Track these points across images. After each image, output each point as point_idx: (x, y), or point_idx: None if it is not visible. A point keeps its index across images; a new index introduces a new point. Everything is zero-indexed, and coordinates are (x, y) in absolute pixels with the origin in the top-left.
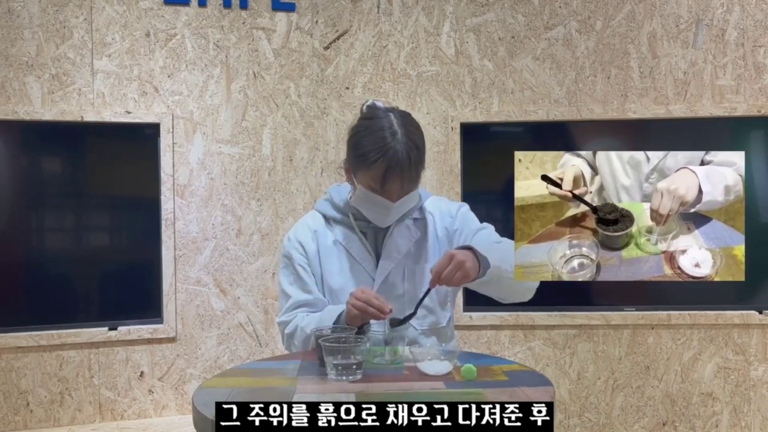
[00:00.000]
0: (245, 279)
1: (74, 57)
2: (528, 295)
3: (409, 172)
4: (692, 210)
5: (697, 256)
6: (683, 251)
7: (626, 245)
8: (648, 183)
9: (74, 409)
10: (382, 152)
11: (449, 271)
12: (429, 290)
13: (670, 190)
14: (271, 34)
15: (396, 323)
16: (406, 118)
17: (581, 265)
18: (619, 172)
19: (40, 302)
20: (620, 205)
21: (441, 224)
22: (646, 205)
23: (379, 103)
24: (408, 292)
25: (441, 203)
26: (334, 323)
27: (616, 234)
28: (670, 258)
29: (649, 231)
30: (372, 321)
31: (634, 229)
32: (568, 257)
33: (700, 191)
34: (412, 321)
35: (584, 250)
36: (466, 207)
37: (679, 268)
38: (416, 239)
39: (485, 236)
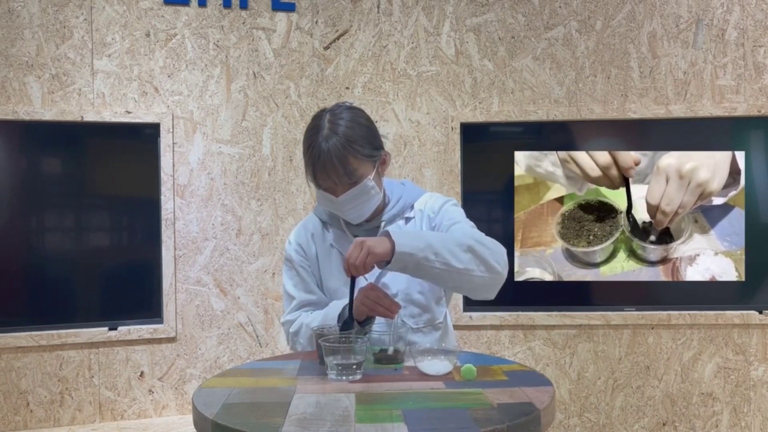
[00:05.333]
0: (245, 279)
1: (74, 57)
2: (487, 294)
3: (333, 166)
4: (717, 202)
5: (712, 267)
6: (692, 258)
7: (608, 259)
8: (642, 154)
9: (74, 409)
10: (308, 151)
11: (359, 258)
12: (353, 281)
13: (684, 172)
14: (271, 34)
15: (348, 326)
16: (341, 113)
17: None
18: None
19: (40, 302)
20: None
21: (427, 220)
22: (641, 189)
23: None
24: (401, 291)
25: (431, 199)
26: (339, 315)
27: (591, 250)
28: (672, 269)
29: (641, 233)
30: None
31: (618, 235)
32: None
33: (735, 171)
34: (407, 320)
35: (537, 271)
36: (452, 202)
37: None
38: None
39: (455, 230)
